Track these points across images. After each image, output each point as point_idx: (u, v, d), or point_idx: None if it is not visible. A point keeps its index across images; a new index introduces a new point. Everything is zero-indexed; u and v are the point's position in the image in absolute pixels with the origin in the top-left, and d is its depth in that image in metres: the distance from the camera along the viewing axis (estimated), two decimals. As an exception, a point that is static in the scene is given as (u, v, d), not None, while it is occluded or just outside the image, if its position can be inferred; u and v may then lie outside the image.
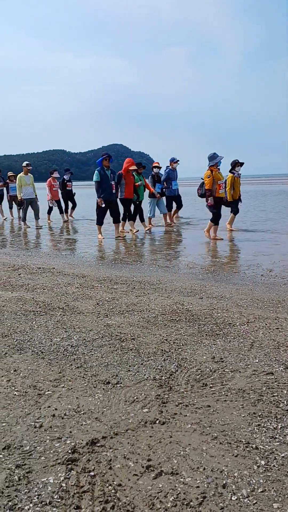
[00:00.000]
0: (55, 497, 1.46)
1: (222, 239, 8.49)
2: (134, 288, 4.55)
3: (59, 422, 1.95)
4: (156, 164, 11.39)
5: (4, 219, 14.69)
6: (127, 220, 10.21)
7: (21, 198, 11.74)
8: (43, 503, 1.44)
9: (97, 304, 3.92)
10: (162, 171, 11.48)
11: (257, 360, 2.59)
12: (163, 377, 2.38)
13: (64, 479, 1.55)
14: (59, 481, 1.54)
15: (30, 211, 11.98)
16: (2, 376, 2.43)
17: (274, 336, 3.01)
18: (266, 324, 3.27)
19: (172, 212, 11.97)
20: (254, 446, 1.74)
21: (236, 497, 1.45)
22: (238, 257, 6.73)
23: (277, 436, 1.81)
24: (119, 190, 9.56)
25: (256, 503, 1.43)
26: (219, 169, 8.37)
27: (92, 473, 1.58)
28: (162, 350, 2.78)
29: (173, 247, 7.87)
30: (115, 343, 2.93)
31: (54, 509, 1.41)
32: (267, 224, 11.04)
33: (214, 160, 8.15)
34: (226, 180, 9.10)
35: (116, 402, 2.12)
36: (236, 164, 9.50)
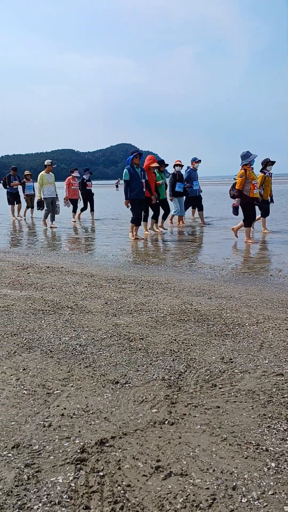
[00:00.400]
0: (64, 497, 1.46)
1: (257, 242, 8.04)
2: (143, 287, 4.54)
3: (68, 421, 1.95)
4: (178, 162, 10.98)
5: (20, 217, 14.64)
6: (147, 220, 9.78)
7: (41, 198, 11.33)
8: (52, 502, 1.43)
9: (106, 303, 3.92)
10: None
11: (266, 361, 2.57)
12: (172, 377, 2.37)
13: (73, 479, 1.55)
14: (68, 481, 1.54)
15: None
16: (11, 375, 2.44)
17: (284, 337, 2.99)
18: (275, 324, 3.25)
19: (192, 213, 11.64)
20: (264, 448, 1.72)
21: (246, 499, 1.44)
22: (246, 257, 6.69)
23: (287, 438, 1.79)
24: None
25: (266, 505, 1.41)
26: (252, 168, 7.94)
27: (101, 473, 1.58)
28: (171, 350, 2.77)
29: (184, 247, 7.85)
30: (123, 342, 2.92)
31: (63, 509, 1.41)
32: (272, 224, 10.97)
33: (247, 158, 7.74)
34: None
35: (125, 402, 2.12)
36: (267, 163, 9.03)
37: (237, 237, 8.34)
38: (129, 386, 2.29)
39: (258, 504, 1.42)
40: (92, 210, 13.61)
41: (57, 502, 1.44)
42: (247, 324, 3.26)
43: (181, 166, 11.05)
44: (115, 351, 2.78)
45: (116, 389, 2.26)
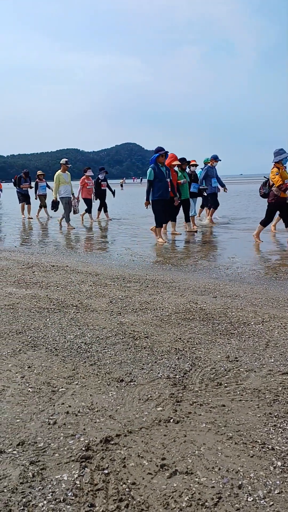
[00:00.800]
0: (69, 494, 1.45)
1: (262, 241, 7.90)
2: (147, 286, 4.54)
3: (73, 419, 1.94)
4: (194, 162, 10.66)
5: (30, 218, 14.65)
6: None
7: (56, 198, 11.11)
8: (57, 500, 1.43)
9: (110, 302, 3.91)
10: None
11: (272, 360, 2.56)
12: (177, 376, 2.36)
13: (78, 477, 1.54)
14: (73, 479, 1.53)
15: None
16: (17, 373, 2.44)
17: (289, 335, 2.97)
18: (281, 323, 3.23)
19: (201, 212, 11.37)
20: (270, 446, 1.71)
21: (252, 498, 1.43)
22: (252, 256, 6.66)
23: (293, 437, 1.77)
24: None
25: (272, 504, 1.40)
26: (285, 167, 7.51)
27: (106, 471, 1.57)
28: (176, 348, 2.76)
29: (190, 246, 7.83)
30: (128, 341, 2.91)
31: (68, 506, 1.40)
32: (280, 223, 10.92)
33: (279, 156, 7.35)
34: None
35: (129, 400, 2.11)
36: None
37: (261, 241, 7.95)
38: (134, 384, 2.28)
39: (264, 503, 1.41)
40: (105, 210, 13.42)
41: (62, 499, 1.43)
42: (252, 323, 3.25)
43: (196, 165, 10.75)
44: (120, 349, 2.77)
45: (121, 387, 2.25)
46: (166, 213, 8.46)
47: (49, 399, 2.13)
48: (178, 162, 9.04)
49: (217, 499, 1.42)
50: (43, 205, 14.79)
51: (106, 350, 2.75)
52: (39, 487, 1.49)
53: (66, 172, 11.19)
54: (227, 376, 2.35)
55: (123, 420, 1.92)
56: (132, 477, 1.54)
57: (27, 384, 2.29)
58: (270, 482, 1.50)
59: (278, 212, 7.81)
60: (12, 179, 15.95)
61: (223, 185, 11.24)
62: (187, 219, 9.68)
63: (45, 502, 1.42)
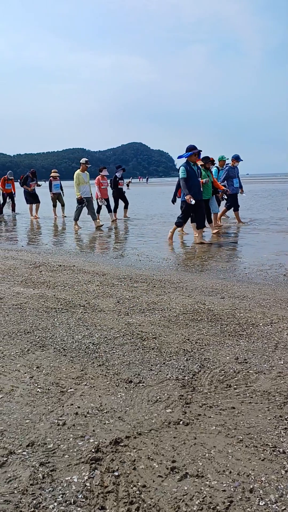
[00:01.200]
0: (80, 496, 1.45)
1: None
2: (154, 286, 4.53)
3: (82, 420, 1.94)
4: (211, 159, 9.89)
5: (36, 218, 14.67)
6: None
7: (80, 196, 10.85)
8: (67, 502, 1.43)
9: (118, 302, 3.91)
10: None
11: (282, 362, 2.54)
12: (186, 377, 2.35)
13: (88, 479, 1.54)
14: (83, 481, 1.53)
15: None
16: (25, 373, 2.44)
17: (299, 337, 2.94)
18: (290, 325, 3.20)
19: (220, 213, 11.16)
20: (281, 450, 1.69)
21: (264, 502, 1.41)
22: (260, 256, 6.63)
23: (305, 441, 1.76)
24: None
25: (285, 509, 1.39)
26: None
27: (116, 473, 1.56)
28: (184, 349, 2.75)
29: (199, 247, 7.81)
30: (136, 341, 2.91)
31: (79, 508, 1.40)
32: (284, 222, 10.87)
33: None
34: None
35: (138, 401, 2.10)
36: None
37: None
38: (142, 385, 2.27)
39: (276, 507, 1.39)
40: (125, 207, 13.25)
41: (72, 501, 1.43)
42: (261, 324, 3.23)
43: (213, 163, 10.26)
44: (128, 350, 2.76)
45: (130, 388, 2.24)
46: (196, 214, 7.98)
47: (58, 399, 2.13)
48: (201, 162, 8.76)
49: (228, 503, 1.41)
50: (56, 204, 14.74)
51: (114, 351, 2.75)
52: (49, 489, 1.49)
53: (85, 172, 11.12)
54: (236, 378, 2.33)
55: (133, 422, 1.92)
56: (143, 479, 1.53)
57: (36, 385, 2.29)
58: (282, 486, 1.49)
59: None
60: (19, 179, 16.01)
61: (241, 187, 11.09)
62: (209, 220, 9.31)
63: (55, 504, 1.42)
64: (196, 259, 6.42)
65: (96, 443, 1.76)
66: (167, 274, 5.30)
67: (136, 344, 2.85)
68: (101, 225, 11.02)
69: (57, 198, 14.67)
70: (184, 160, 7.99)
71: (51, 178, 14.66)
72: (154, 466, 1.61)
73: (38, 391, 2.22)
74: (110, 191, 12.89)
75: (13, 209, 16.99)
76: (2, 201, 17.08)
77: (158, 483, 1.51)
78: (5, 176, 16.86)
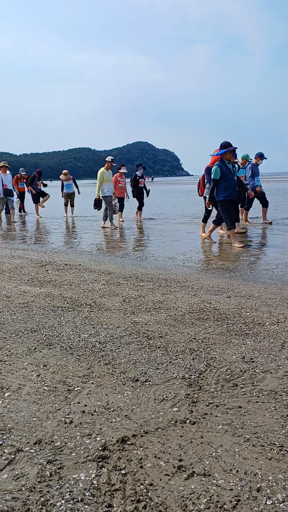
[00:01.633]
0: (87, 494, 1.46)
1: None
2: (160, 285, 4.53)
3: (89, 418, 1.94)
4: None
5: (42, 207, 14.70)
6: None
7: (99, 197, 10.63)
8: (75, 500, 1.43)
9: (124, 301, 3.91)
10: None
11: (288, 361, 2.53)
12: (192, 376, 2.35)
13: (95, 477, 1.54)
14: (90, 478, 1.53)
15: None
16: (32, 371, 2.45)
17: (305, 336, 2.93)
18: (297, 324, 3.19)
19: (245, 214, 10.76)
20: (288, 449, 1.69)
21: (271, 502, 1.41)
22: (266, 255, 6.61)
23: (312, 440, 1.75)
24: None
25: (292, 508, 1.38)
26: None
27: (123, 471, 1.57)
28: (190, 348, 2.75)
29: (205, 244, 7.80)
30: (142, 340, 2.91)
31: (86, 506, 1.40)
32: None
33: None
34: None
35: (145, 400, 2.11)
36: None
37: None
38: (149, 384, 2.28)
39: (284, 507, 1.39)
40: (139, 208, 13.02)
41: (80, 499, 1.43)
42: (267, 324, 3.22)
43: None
44: (134, 348, 2.77)
45: (136, 387, 2.25)
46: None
47: (65, 398, 2.14)
48: (236, 160, 8.63)
49: (235, 502, 1.41)
50: (66, 204, 14.74)
51: (120, 350, 2.75)
52: (57, 486, 1.50)
53: (109, 170, 10.82)
54: (243, 377, 2.33)
55: (139, 420, 1.92)
56: (150, 478, 1.54)
57: (43, 383, 2.30)
58: (289, 486, 1.48)
59: None
60: (24, 179, 16.05)
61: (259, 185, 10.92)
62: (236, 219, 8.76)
63: (63, 501, 1.43)
64: (203, 258, 6.40)
65: (103, 441, 1.76)
66: (173, 273, 5.29)
67: (142, 343, 2.86)
68: (115, 227, 10.68)
69: (68, 197, 14.66)
70: (217, 158, 7.41)
71: (62, 179, 14.61)
72: (161, 465, 1.61)
73: (45, 389, 2.23)
74: (129, 190, 12.64)
75: (20, 209, 17.03)
76: (19, 200, 17.02)
77: (165, 482, 1.52)
78: (18, 175, 16.81)
